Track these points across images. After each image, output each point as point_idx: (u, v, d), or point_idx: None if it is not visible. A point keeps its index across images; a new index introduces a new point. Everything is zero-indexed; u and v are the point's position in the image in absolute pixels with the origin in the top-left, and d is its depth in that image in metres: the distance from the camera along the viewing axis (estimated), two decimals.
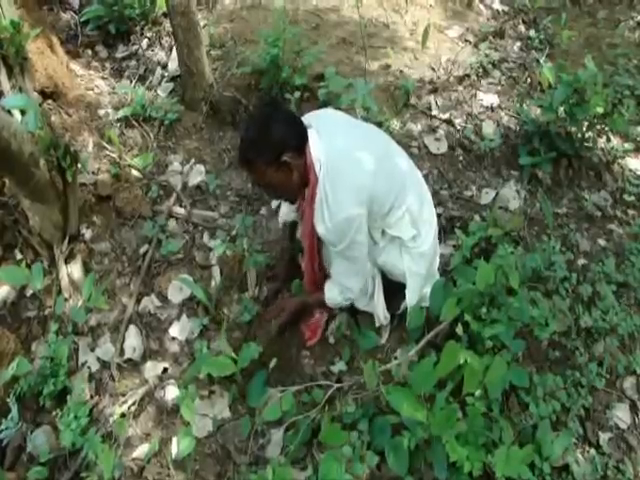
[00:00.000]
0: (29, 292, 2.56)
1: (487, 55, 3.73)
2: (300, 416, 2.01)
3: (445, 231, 2.84)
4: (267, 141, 1.94)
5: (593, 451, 2.15)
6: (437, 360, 1.96)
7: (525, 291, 2.33)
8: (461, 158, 3.23)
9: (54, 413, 2.16)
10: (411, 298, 2.30)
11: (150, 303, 2.59)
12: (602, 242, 2.87)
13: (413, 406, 1.84)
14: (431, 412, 1.86)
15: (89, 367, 2.36)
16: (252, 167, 2.01)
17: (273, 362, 2.07)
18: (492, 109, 3.45)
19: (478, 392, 1.86)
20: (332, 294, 2.28)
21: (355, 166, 2.00)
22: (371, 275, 2.35)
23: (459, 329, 2.03)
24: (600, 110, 2.95)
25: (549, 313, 2.27)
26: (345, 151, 2.02)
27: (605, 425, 2.25)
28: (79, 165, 2.62)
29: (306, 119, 2.19)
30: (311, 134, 2.04)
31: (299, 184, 2.07)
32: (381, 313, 2.41)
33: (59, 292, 2.51)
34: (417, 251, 2.24)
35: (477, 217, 2.90)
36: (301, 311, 2.47)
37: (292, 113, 2.10)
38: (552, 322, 2.25)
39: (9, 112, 2.67)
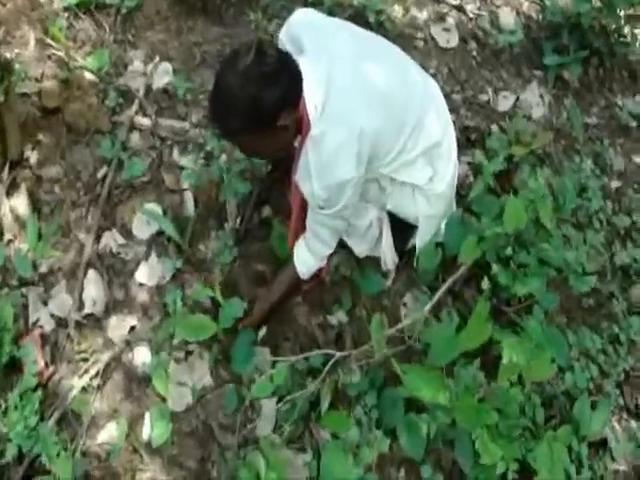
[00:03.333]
0: None
1: None
2: (297, 393, 1.68)
3: (459, 144, 2.40)
4: (258, 110, 1.47)
5: (634, 423, 1.87)
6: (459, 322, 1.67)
7: (555, 226, 1.98)
8: (475, 53, 2.74)
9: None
10: (422, 241, 1.94)
11: (112, 240, 2.18)
12: (638, 159, 2.46)
13: (434, 387, 1.53)
14: (453, 392, 1.55)
15: (41, 327, 1.99)
16: (237, 139, 1.59)
17: (263, 331, 1.72)
18: None
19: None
20: (302, 256, 1.88)
21: (360, 101, 1.58)
22: (377, 217, 1.96)
23: (485, 283, 1.70)
24: None
25: (585, 256, 1.92)
26: (350, 67, 1.59)
27: None
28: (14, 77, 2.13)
29: (289, 32, 1.72)
30: (304, 65, 1.55)
31: (293, 138, 1.65)
32: (389, 259, 2.03)
33: (1, 234, 2.10)
34: (434, 192, 1.84)
35: (495, 127, 2.48)
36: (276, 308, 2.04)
37: (282, 54, 1.55)
38: (590, 267, 1.90)
39: None
